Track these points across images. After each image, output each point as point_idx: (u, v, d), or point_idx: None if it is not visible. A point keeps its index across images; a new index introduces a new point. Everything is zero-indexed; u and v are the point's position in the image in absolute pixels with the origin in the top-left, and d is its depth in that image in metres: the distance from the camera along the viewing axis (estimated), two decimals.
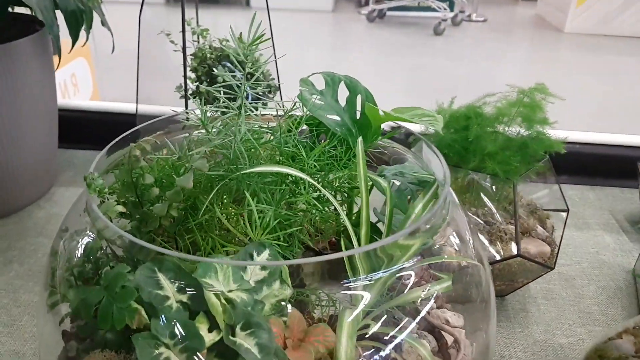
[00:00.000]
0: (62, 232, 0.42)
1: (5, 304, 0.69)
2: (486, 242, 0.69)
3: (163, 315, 0.35)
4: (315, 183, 0.42)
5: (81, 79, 2.07)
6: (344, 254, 0.39)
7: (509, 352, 0.66)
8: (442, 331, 0.49)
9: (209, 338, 0.34)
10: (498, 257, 0.66)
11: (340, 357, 0.37)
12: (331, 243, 0.56)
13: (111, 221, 0.40)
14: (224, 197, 0.47)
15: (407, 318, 0.45)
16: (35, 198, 0.90)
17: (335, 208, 0.50)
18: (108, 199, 0.39)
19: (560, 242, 0.71)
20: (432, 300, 0.47)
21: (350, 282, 0.39)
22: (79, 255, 0.39)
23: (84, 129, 1.08)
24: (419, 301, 0.47)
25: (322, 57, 3.21)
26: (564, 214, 0.73)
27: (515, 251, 0.65)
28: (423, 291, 0.48)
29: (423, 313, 0.45)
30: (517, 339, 0.68)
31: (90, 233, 0.39)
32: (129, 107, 1.07)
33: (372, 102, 0.53)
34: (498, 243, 0.69)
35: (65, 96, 1.89)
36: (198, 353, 0.33)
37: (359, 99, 0.54)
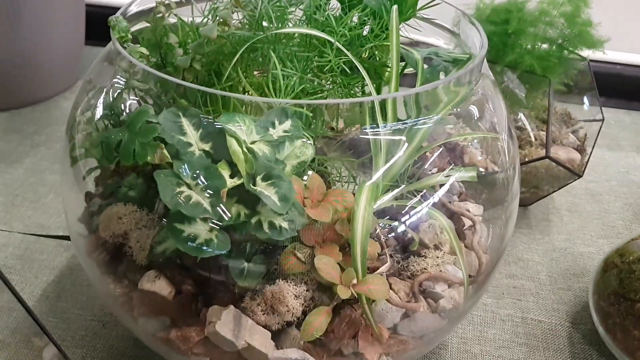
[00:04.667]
0: (87, 84, 0.41)
1: (31, 182, 0.71)
2: None
3: (185, 160, 0.34)
4: (342, 47, 0.40)
5: None
6: (376, 97, 0.37)
7: (528, 256, 0.65)
8: (461, 216, 0.49)
9: (230, 182, 0.34)
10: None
11: (357, 219, 0.36)
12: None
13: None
14: (249, 66, 0.46)
15: (432, 198, 0.45)
16: (61, 90, 0.90)
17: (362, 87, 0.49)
18: (129, 39, 0.38)
19: (592, 150, 0.69)
20: (453, 180, 0.46)
21: (379, 128, 0.38)
22: (103, 106, 0.39)
23: None
24: (447, 186, 0.47)
25: None
26: (599, 124, 0.70)
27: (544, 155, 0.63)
28: (445, 175, 0.47)
29: (443, 190, 0.44)
30: (536, 245, 0.67)
31: (116, 80, 0.38)
32: None
33: None
34: (527, 148, 0.67)
35: None
36: (220, 192, 0.33)
37: None
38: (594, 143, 0.69)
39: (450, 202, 0.51)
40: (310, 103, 0.40)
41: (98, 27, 1.04)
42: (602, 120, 0.70)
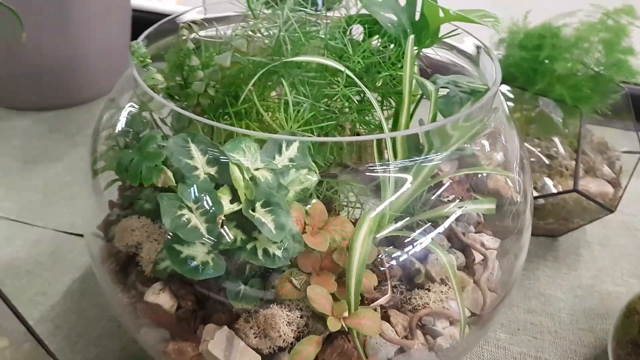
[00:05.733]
0: (110, 102, 0.43)
1: (68, 181, 0.75)
2: (545, 178, 0.65)
3: (189, 183, 0.36)
4: (353, 76, 0.40)
5: None
6: (383, 135, 0.38)
7: (550, 291, 0.63)
8: (472, 249, 0.48)
9: (229, 207, 0.35)
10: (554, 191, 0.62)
11: (355, 249, 0.36)
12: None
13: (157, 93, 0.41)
14: (265, 90, 0.47)
15: (436, 230, 0.44)
16: (105, 92, 0.94)
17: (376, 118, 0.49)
18: (149, 65, 0.39)
19: (627, 185, 0.66)
20: (466, 211, 0.45)
21: (385, 166, 0.38)
22: (122, 124, 0.41)
23: None
24: (453, 218, 0.46)
25: None
26: (637, 156, 0.66)
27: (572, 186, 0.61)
28: (459, 207, 0.46)
29: (448, 222, 0.43)
30: (561, 280, 0.65)
31: (134, 104, 0.40)
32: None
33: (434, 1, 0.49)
34: (557, 177, 0.65)
35: None
36: (216, 218, 0.34)
37: None
38: (630, 177, 0.65)
39: (464, 234, 0.50)
40: (313, 140, 0.40)
41: (143, 31, 1.09)
42: None
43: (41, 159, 0.81)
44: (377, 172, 0.40)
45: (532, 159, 0.67)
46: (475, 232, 0.52)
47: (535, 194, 0.62)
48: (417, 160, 0.38)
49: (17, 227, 0.67)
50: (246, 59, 0.43)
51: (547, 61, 0.58)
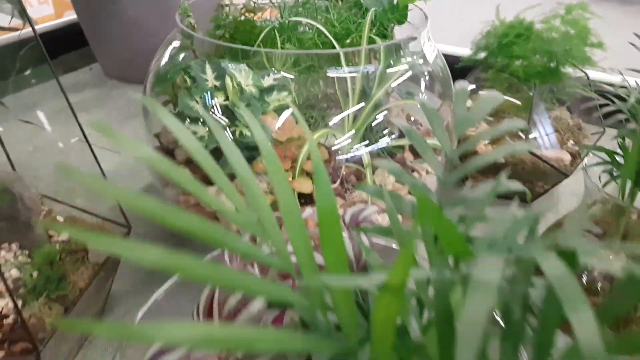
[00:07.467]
0: (164, 43, 0.66)
1: None
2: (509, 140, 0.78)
3: (200, 87, 0.56)
4: (320, 26, 0.59)
5: None
6: (336, 50, 0.56)
7: None
8: (413, 170, 0.63)
9: (221, 101, 0.55)
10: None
11: (307, 146, 0.54)
12: None
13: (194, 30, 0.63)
14: (274, 44, 0.66)
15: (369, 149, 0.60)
16: None
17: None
18: (191, 16, 0.61)
19: (585, 156, 0.76)
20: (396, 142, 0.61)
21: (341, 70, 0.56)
22: (168, 56, 0.63)
23: None
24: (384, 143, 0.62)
25: None
26: (598, 135, 0.77)
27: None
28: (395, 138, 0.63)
29: (379, 146, 0.59)
30: None
31: (178, 40, 0.62)
32: None
33: None
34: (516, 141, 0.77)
35: None
36: (207, 105, 0.54)
37: None
38: (588, 152, 0.76)
39: (411, 162, 0.66)
40: (294, 52, 0.59)
41: None
42: (603, 132, 0.76)
43: (136, 117, 1.07)
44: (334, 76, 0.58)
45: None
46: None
47: None
48: (363, 68, 0.56)
49: (113, 155, 0.93)
50: (256, 21, 0.63)
51: (506, 46, 0.72)
